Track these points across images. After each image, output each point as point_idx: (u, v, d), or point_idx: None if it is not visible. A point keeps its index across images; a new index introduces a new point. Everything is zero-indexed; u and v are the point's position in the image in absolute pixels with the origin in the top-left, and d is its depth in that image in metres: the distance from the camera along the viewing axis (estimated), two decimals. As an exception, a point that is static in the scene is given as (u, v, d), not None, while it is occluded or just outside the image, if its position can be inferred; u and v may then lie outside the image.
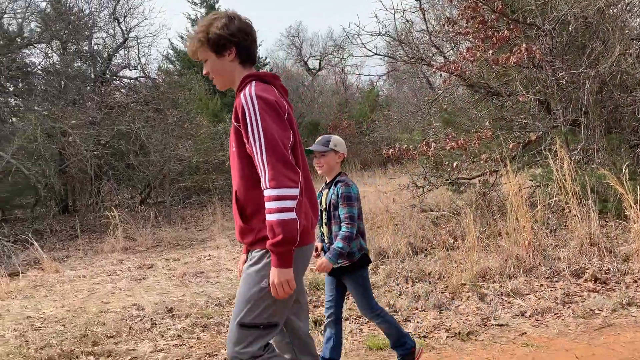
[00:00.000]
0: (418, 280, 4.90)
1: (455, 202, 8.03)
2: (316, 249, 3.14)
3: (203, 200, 13.28)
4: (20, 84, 12.07)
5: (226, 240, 8.51)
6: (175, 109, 12.98)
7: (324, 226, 3.11)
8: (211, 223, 10.71)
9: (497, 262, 4.93)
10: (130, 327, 4.24)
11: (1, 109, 11.21)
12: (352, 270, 3.03)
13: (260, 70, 2.09)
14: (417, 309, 4.23)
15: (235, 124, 1.98)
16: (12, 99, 12.08)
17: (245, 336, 1.95)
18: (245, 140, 1.94)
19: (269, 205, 1.84)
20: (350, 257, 3.00)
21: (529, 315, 3.95)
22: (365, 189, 9.71)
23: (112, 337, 4.09)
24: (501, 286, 4.52)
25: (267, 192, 1.85)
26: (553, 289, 4.41)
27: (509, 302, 4.22)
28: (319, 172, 3.17)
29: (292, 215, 1.84)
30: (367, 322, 4.04)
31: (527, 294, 4.35)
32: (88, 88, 12.91)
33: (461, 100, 9.84)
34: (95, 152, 11.08)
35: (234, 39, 2.03)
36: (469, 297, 4.38)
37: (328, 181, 3.16)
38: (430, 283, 4.77)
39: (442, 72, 8.22)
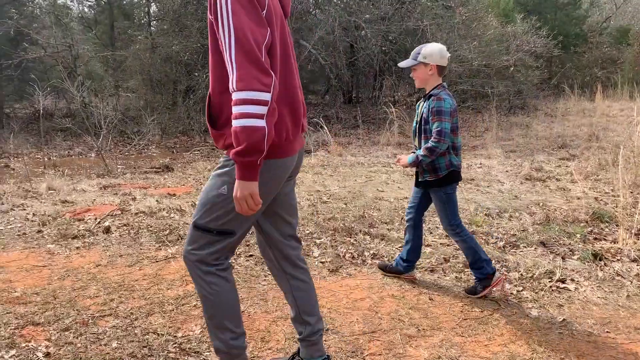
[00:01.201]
0: None
1: None
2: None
3: (479, 106, 12.92)
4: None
5: (499, 150, 8.21)
6: (464, 6, 12.46)
7: (415, 138, 3.13)
8: (485, 130, 10.41)
9: None
10: (401, 217, 4.54)
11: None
12: (436, 185, 3.04)
13: None
14: None
15: (209, 16, 1.72)
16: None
17: (197, 237, 1.88)
18: (217, 36, 1.69)
19: (235, 109, 1.61)
20: (436, 173, 3.01)
21: None
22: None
23: (385, 223, 4.46)
24: None
25: (234, 95, 1.61)
26: None
27: None
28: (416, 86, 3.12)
29: (259, 122, 1.60)
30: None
31: None
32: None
33: None
34: (383, 48, 11.54)
35: None
36: None
37: (426, 93, 3.06)
38: None
39: None
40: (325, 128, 9.40)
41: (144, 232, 4.15)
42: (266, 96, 1.60)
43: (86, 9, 17.59)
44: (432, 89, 3.02)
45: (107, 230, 4.16)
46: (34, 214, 4.66)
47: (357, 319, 2.79)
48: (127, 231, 4.17)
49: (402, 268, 3.30)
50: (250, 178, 1.67)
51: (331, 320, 2.77)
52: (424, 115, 3.02)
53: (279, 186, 1.90)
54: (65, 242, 3.92)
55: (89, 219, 4.47)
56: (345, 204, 5.06)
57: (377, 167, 7.22)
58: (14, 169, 8.09)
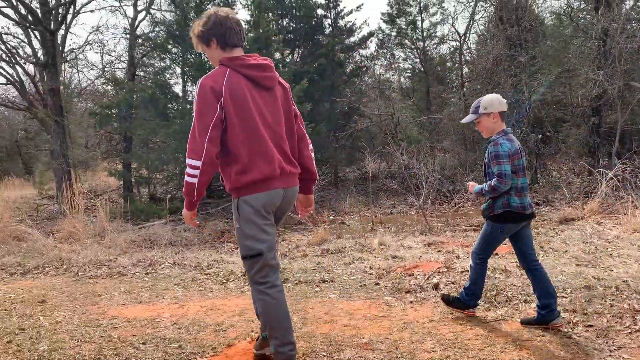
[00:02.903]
0: None
1: None
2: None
3: None
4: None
5: None
6: None
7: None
8: None
9: None
10: None
11: None
12: (489, 218, 3.38)
13: (231, 55, 2.63)
14: None
15: None
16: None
17: (246, 265, 2.66)
18: None
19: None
20: (492, 209, 3.33)
21: None
22: None
23: None
24: None
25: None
26: None
27: None
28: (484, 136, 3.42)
29: (190, 179, 2.55)
30: None
31: None
32: None
33: None
34: None
35: (212, 32, 2.63)
36: None
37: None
38: None
39: None
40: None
41: (471, 291, 4.20)
42: (195, 162, 2.52)
43: (403, 79, 19.44)
44: (493, 135, 3.33)
45: (436, 286, 4.37)
46: (370, 267, 5.24)
47: None
48: (454, 289, 4.30)
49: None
50: (186, 208, 2.69)
51: None
52: (486, 160, 3.35)
53: (269, 208, 2.63)
54: (399, 295, 4.28)
55: (418, 274, 4.78)
56: None
57: None
58: (349, 225, 9.30)
